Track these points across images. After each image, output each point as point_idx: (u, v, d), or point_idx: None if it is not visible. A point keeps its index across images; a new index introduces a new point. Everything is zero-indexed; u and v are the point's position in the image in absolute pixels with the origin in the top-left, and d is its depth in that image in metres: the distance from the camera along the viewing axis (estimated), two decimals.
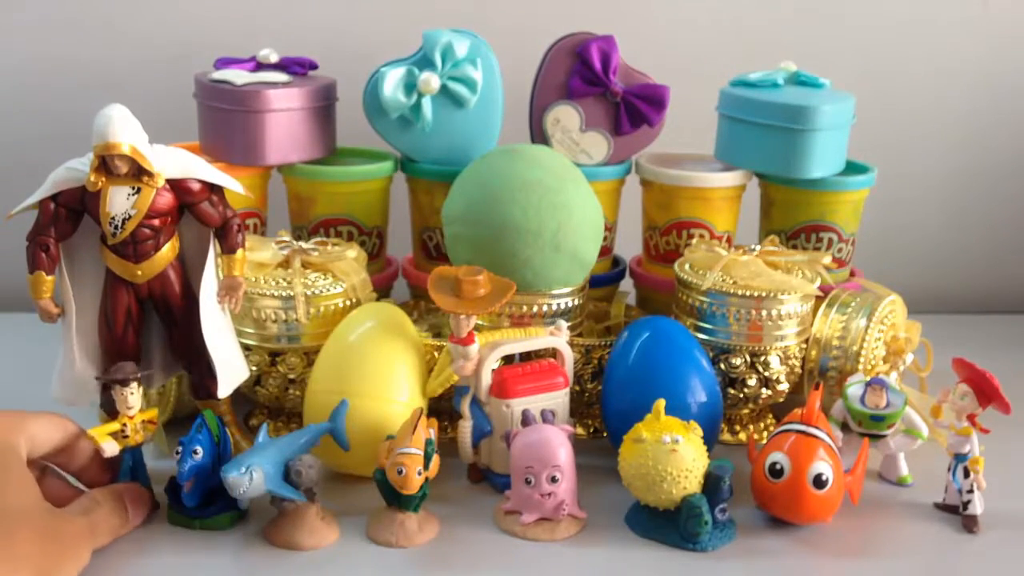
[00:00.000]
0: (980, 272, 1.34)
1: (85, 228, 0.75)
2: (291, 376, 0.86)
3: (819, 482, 0.73)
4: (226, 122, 0.95)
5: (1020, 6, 1.25)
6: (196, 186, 0.75)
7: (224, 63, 1.00)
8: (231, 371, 0.79)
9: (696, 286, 0.88)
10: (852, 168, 1.02)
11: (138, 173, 0.72)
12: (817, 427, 0.76)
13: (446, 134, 0.98)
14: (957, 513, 0.78)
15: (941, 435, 0.82)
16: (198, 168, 0.75)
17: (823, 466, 0.74)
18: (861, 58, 1.25)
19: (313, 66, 1.03)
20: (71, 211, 0.74)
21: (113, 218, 0.73)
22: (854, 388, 0.83)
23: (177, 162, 0.74)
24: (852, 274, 1.06)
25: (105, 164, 0.71)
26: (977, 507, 0.77)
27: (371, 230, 1.02)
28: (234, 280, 0.77)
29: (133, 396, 0.74)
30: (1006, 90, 1.28)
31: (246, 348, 0.86)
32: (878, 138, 1.20)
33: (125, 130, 0.70)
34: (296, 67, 1.00)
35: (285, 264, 0.88)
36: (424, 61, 0.95)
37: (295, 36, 1.19)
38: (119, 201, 0.72)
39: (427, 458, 0.73)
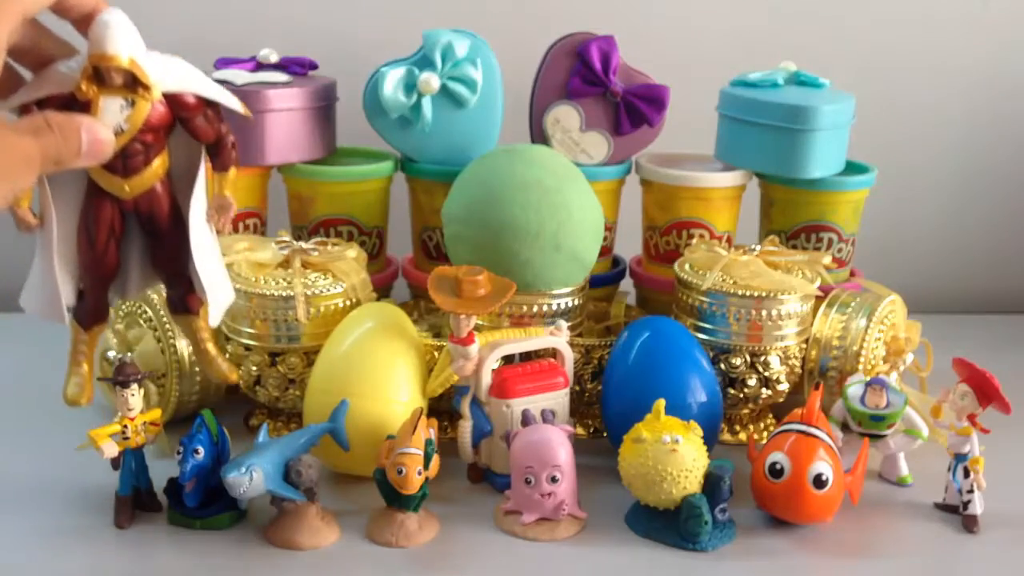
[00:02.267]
0: (980, 272, 1.34)
1: None
2: (291, 376, 0.86)
3: (819, 482, 0.73)
4: (226, 122, 0.95)
5: (1020, 6, 1.25)
6: (192, 100, 0.68)
7: (224, 63, 1.00)
8: (220, 296, 0.73)
9: (696, 286, 0.88)
10: (852, 168, 1.02)
11: (133, 84, 0.65)
12: (817, 427, 0.76)
13: (446, 134, 0.98)
14: (957, 513, 0.78)
15: (941, 435, 0.82)
16: (195, 81, 0.69)
17: (823, 466, 0.74)
18: (861, 58, 1.25)
19: (313, 66, 1.03)
20: None
21: None
22: (854, 388, 0.83)
23: (174, 74, 0.68)
24: (852, 274, 1.06)
25: (98, 73, 0.64)
26: (977, 507, 0.77)
27: (371, 230, 1.02)
28: (225, 199, 0.72)
29: (134, 397, 0.74)
30: (1006, 90, 1.28)
31: (246, 348, 0.86)
32: (878, 138, 1.20)
33: (125, 40, 0.64)
34: (296, 67, 1.00)
35: (285, 264, 0.88)
36: (424, 61, 0.95)
37: (295, 36, 1.19)
38: (111, 113, 0.65)
39: (427, 458, 0.73)
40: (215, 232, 0.73)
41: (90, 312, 0.72)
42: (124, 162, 0.68)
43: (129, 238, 0.72)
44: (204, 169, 0.71)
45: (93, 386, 0.72)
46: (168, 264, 0.73)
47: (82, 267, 0.71)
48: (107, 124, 0.64)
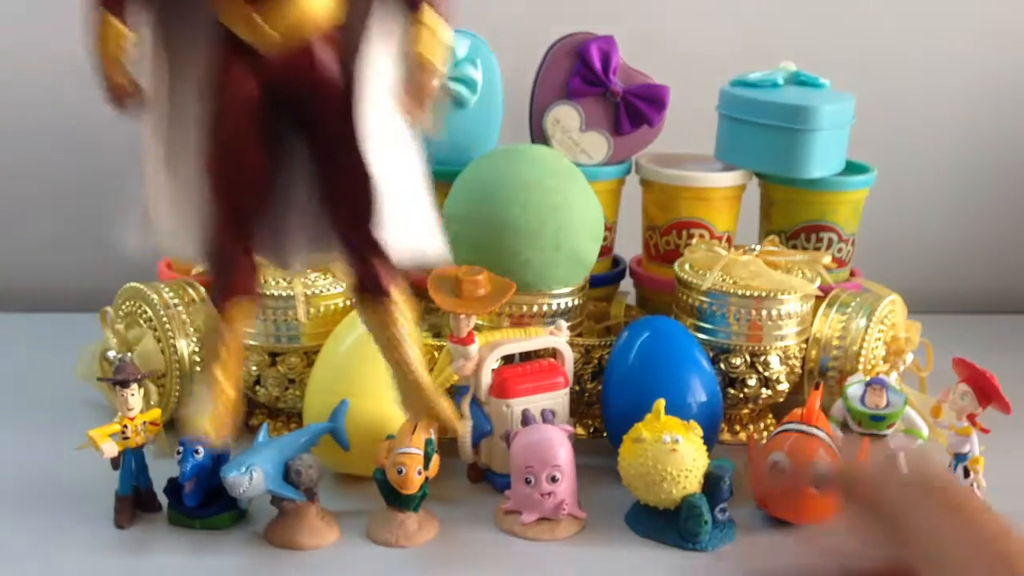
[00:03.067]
0: (980, 272, 1.34)
1: None
2: (291, 376, 0.86)
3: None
4: None
5: (1020, 6, 1.25)
6: None
7: None
8: (413, 229, 0.43)
9: (696, 286, 0.88)
10: (852, 168, 1.02)
11: None
12: (817, 427, 0.76)
13: (446, 134, 0.98)
14: None
15: (941, 435, 0.82)
16: None
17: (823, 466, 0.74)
18: (861, 58, 1.24)
19: None
20: None
21: None
22: (854, 388, 0.83)
23: None
24: (852, 274, 1.06)
25: None
26: None
27: None
28: (425, 64, 0.41)
29: (134, 397, 0.74)
30: (1006, 90, 1.28)
31: (245, 348, 0.86)
32: (878, 138, 1.20)
33: None
34: None
35: None
36: None
37: None
38: None
39: (427, 458, 0.73)
40: (413, 139, 0.43)
41: (225, 273, 0.43)
42: None
43: (289, 165, 0.42)
44: (384, 17, 0.40)
45: (236, 407, 0.45)
46: (343, 196, 0.41)
47: (210, 183, 0.40)
48: None
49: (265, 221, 0.42)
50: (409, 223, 0.41)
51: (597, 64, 0.98)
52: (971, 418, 0.77)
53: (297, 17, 0.37)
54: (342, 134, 0.39)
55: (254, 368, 0.86)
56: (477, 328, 0.82)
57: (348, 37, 0.39)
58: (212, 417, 0.44)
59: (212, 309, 0.43)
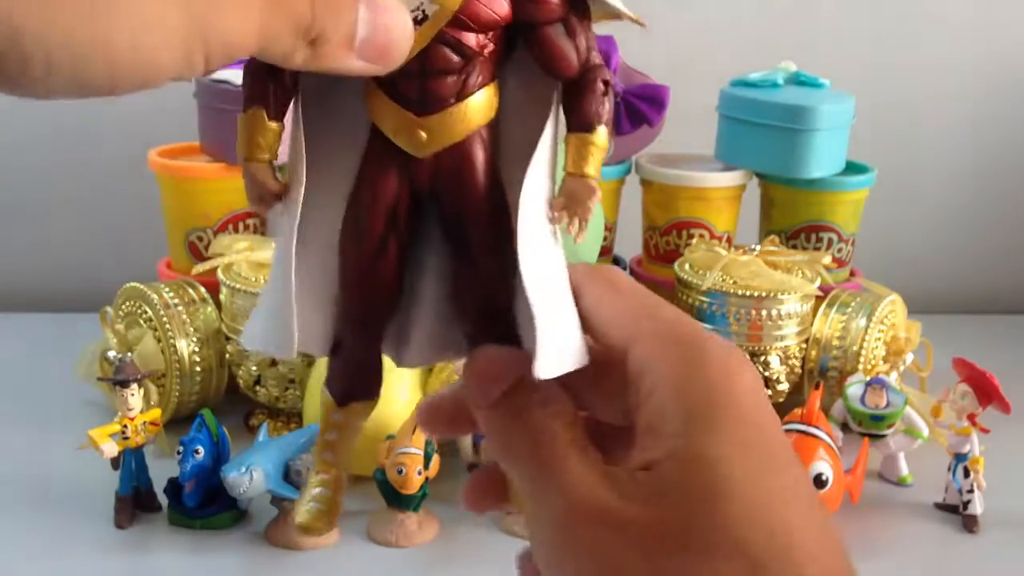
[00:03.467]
0: (980, 272, 1.34)
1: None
2: (291, 376, 0.86)
3: (819, 482, 0.73)
4: (226, 122, 0.95)
5: (1021, 6, 1.25)
6: None
7: None
8: (560, 346, 0.38)
9: (696, 286, 0.88)
10: (852, 168, 1.02)
11: None
12: (817, 427, 0.76)
13: None
14: (957, 513, 0.78)
15: (941, 435, 0.82)
16: None
17: (823, 466, 0.74)
18: (861, 58, 1.24)
19: None
20: None
21: None
22: (854, 388, 0.83)
23: None
24: (852, 274, 1.06)
25: None
26: (977, 507, 0.77)
27: None
28: (582, 183, 0.39)
29: (134, 397, 0.74)
30: (1007, 90, 1.28)
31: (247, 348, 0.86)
32: (878, 138, 1.20)
33: None
34: None
35: None
36: None
37: None
38: None
39: (427, 458, 0.73)
40: (559, 241, 0.41)
41: (349, 373, 0.43)
42: (424, 85, 0.37)
43: (422, 267, 0.40)
44: (552, 125, 0.38)
45: (340, 503, 0.41)
46: (478, 302, 0.39)
47: (342, 283, 0.39)
48: (404, 2, 0.34)
49: (394, 321, 0.41)
50: (556, 335, 0.37)
51: None
52: (971, 418, 0.77)
53: (459, 125, 0.37)
54: (489, 232, 0.38)
55: (254, 368, 0.86)
56: None
57: (497, 133, 0.38)
58: (328, 517, 0.41)
59: (329, 400, 0.42)
